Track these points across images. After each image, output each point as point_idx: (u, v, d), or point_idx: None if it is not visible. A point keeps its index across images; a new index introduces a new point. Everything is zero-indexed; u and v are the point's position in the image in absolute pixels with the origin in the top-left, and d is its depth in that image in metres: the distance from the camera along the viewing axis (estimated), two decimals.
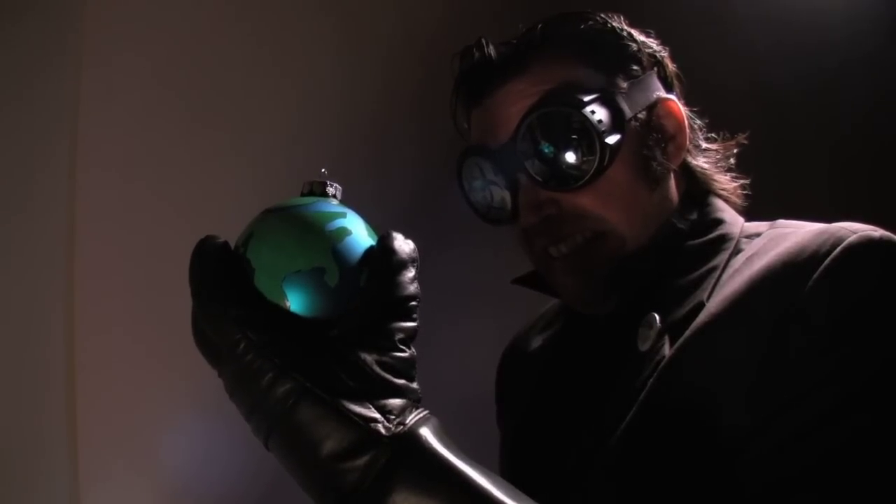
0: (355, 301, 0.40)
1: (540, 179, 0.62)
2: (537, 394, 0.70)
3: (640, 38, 0.67)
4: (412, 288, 0.41)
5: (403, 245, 0.42)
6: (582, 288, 0.65)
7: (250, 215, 0.43)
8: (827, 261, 0.51)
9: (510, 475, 0.68)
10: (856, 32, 1.64)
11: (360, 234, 0.41)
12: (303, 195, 0.44)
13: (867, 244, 0.51)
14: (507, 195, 0.64)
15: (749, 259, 0.58)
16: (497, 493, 0.38)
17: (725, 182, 0.69)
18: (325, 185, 0.44)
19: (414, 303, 0.41)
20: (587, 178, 0.61)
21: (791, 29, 1.65)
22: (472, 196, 0.68)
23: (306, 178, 0.44)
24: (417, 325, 0.41)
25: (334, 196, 0.44)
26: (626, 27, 0.67)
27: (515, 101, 0.63)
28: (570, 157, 0.61)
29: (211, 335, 0.39)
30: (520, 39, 0.66)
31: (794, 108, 1.65)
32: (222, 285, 0.39)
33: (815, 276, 0.51)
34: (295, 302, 0.39)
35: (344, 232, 0.40)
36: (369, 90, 1.44)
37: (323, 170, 0.45)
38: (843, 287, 0.50)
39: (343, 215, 0.42)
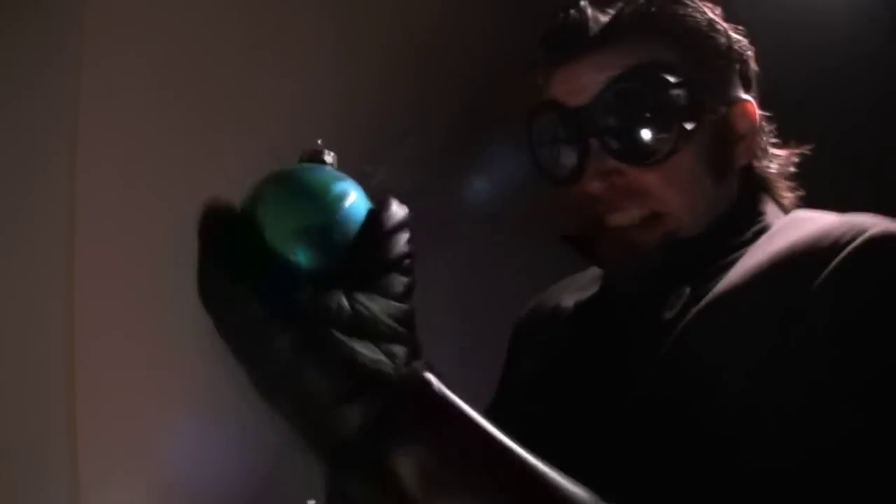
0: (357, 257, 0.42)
1: (613, 148, 0.63)
2: (562, 353, 0.71)
3: (732, 34, 0.69)
4: (408, 247, 0.43)
5: (399, 209, 0.43)
6: (627, 263, 0.66)
7: None
8: (848, 249, 0.52)
9: (524, 431, 0.69)
10: (856, 32, 1.64)
11: (360, 197, 0.43)
12: (300, 162, 0.46)
13: (888, 237, 0.52)
14: (575, 156, 0.64)
15: (771, 236, 0.60)
16: (501, 434, 0.39)
17: (784, 189, 0.71)
18: (321, 153, 0.45)
19: (409, 260, 0.42)
20: (659, 156, 0.62)
21: (791, 29, 1.65)
22: (539, 151, 0.68)
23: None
24: (414, 281, 0.42)
25: (331, 165, 0.46)
26: (721, 21, 0.68)
27: (603, 69, 0.64)
28: (646, 133, 0.62)
29: (217, 290, 0.40)
30: (619, 10, 0.67)
31: (794, 108, 1.64)
32: (230, 243, 0.40)
33: (835, 262, 0.52)
34: (302, 257, 0.40)
35: (346, 193, 0.42)
36: (367, 89, 1.44)
37: (319, 140, 0.46)
38: (862, 277, 0.52)
39: (344, 178, 0.44)
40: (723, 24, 0.68)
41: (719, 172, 0.66)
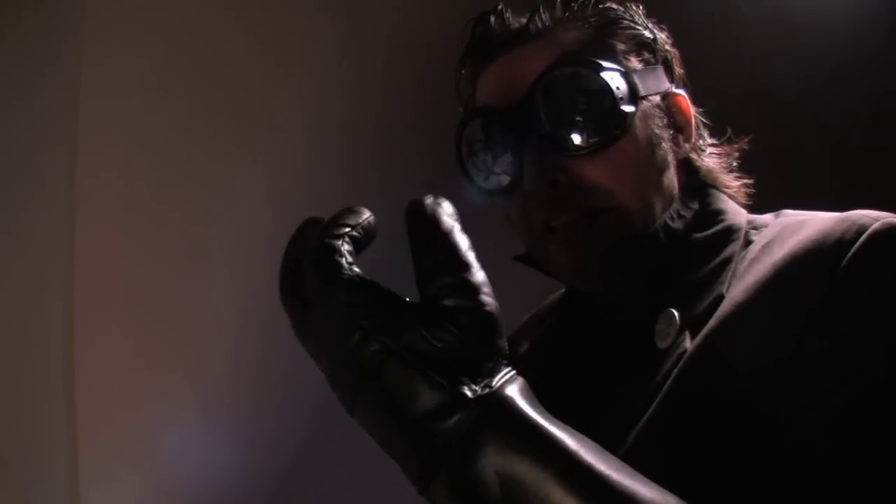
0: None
1: (552, 143, 0.59)
2: (550, 394, 0.69)
3: (656, 31, 0.67)
4: (456, 242, 0.41)
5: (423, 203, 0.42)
6: (581, 262, 0.62)
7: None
8: (854, 248, 0.51)
9: None
10: (856, 32, 1.64)
11: None
12: None
13: (891, 231, 0.52)
14: (511, 159, 0.61)
15: (766, 246, 0.58)
16: (586, 453, 0.37)
17: (729, 181, 0.69)
18: None
19: (472, 254, 0.41)
20: (601, 143, 0.59)
21: (791, 30, 1.65)
22: (471, 161, 0.64)
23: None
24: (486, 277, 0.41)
25: None
26: (642, 16, 0.67)
27: (530, 62, 0.61)
28: (585, 121, 0.59)
29: (306, 293, 0.40)
30: (538, 7, 0.65)
31: (794, 109, 1.65)
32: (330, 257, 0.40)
33: (844, 262, 0.51)
34: None
35: None
36: (372, 89, 1.44)
37: None
38: (873, 274, 0.51)
39: None
40: (644, 19, 0.67)
41: (662, 163, 0.64)
